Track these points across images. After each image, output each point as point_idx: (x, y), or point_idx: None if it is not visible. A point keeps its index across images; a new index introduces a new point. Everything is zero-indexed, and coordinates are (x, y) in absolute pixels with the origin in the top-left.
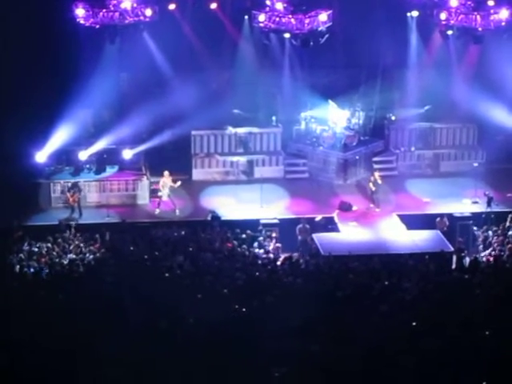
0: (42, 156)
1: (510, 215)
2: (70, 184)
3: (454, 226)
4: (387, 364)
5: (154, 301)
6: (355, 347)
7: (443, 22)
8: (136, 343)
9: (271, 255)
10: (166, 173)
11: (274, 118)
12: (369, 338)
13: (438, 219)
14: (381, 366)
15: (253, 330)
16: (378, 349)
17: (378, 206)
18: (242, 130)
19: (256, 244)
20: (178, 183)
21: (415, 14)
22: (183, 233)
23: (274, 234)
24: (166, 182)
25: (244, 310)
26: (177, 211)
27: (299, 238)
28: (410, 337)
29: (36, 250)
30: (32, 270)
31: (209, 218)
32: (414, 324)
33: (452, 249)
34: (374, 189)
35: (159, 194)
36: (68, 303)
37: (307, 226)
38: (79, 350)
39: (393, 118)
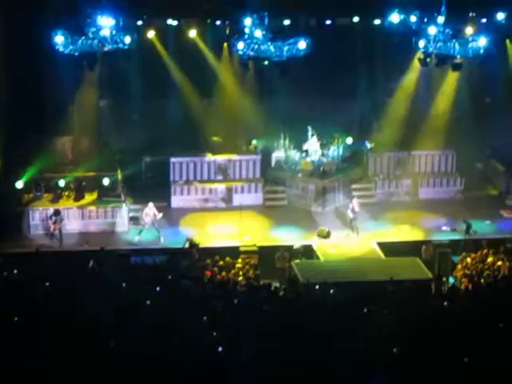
0: (20, 183)
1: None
2: (51, 211)
3: (433, 253)
4: None
5: (133, 328)
6: (336, 376)
7: (422, 50)
8: (114, 370)
9: (250, 282)
10: (150, 204)
11: (253, 142)
12: (349, 366)
13: (424, 247)
14: None
15: (231, 357)
16: (359, 375)
17: (356, 233)
18: (221, 157)
19: (235, 271)
20: (160, 215)
21: (394, 41)
22: (163, 260)
23: (252, 261)
24: (148, 212)
25: (222, 337)
26: (161, 239)
27: (278, 265)
28: (390, 364)
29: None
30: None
31: (187, 246)
32: (394, 351)
33: (431, 276)
34: (352, 216)
35: (142, 222)
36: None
37: (286, 254)
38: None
39: (371, 145)
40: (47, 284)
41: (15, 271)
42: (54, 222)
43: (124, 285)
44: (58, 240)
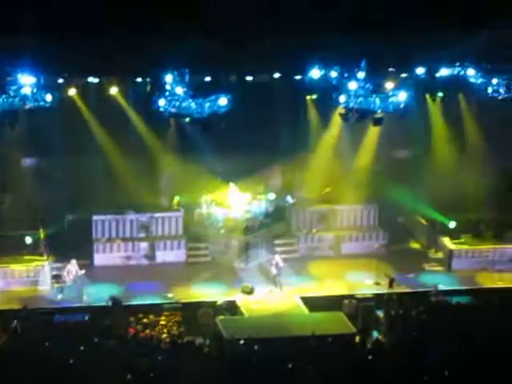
0: None
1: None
2: None
3: (356, 307)
4: None
5: None
6: None
7: (343, 105)
8: None
9: (174, 339)
10: (73, 261)
11: (176, 198)
12: None
13: (346, 301)
14: None
15: None
16: None
17: (280, 289)
18: (143, 215)
19: (159, 328)
20: (82, 271)
21: (315, 96)
22: (86, 319)
23: (176, 318)
24: (71, 269)
25: None
26: (84, 297)
27: (201, 321)
28: None
29: None
30: None
31: (110, 304)
32: None
33: (354, 330)
34: (275, 271)
35: (64, 280)
36: None
37: (209, 310)
38: None
39: (292, 200)
40: None
41: None
42: None
43: (47, 344)
44: None
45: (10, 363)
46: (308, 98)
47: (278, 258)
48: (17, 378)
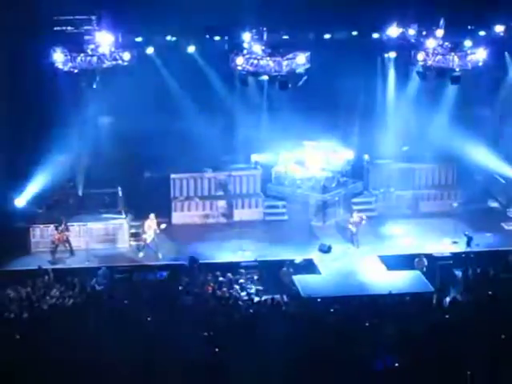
0: (21, 200)
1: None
2: (63, 221)
3: (433, 266)
4: None
5: (134, 346)
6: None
7: (421, 63)
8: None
9: (252, 298)
10: (152, 215)
11: (254, 156)
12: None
13: (417, 259)
14: None
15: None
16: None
17: (357, 247)
18: (221, 173)
19: (237, 286)
20: (163, 226)
21: (392, 55)
22: (164, 276)
23: (254, 277)
24: (150, 224)
25: (223, 353)
26: (159, 255)
27: (283, 280)
28: (392, 378)
29: (15, 294)
30: (12, 315)
31: (188, 262)
32: (396, 365)
33: (432, 289)
34: (353, 230)
35: (144, 236)
36: (48, 348)
37: (290, 270)
38: None
39: (366, 158)
40: (49, 301)
41: (18, 289)
42: (60, 233)
43: (125, 301)
44: (67, 250)
45: (88, 321)
46: (386, 56)
47: (355, 216)
48: (95, 336)
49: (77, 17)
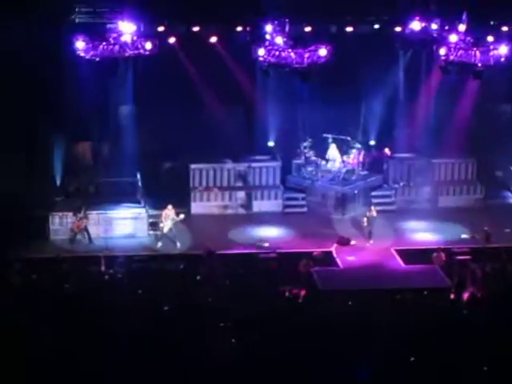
0: (40, 188)
1: None
2: (83, 209)
3: (452, 261)
4: None
5: (152, 334)
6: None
7: (443, 58)
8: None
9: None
10: (170, 206)
11: (271, 143)
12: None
13: (435, 254)
14: None
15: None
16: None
17: (373, 241)
18: (240, 164)
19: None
20: (182, 216)
21: (414, 49)
22: (182, 267)
23: (272, 268)
24: (168, 214)
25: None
26: (178, 244)
27: (302, 272)
28: (408, 372)
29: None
30: None
31: (206, 253)
32: (412, 359)
33: (450, 284)
34: (367, 223)
35: (161, 225)
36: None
37: (310, 262)
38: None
39: (387, 151)
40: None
41: (34, 276)
42: (79, 220)
43: (140, 291)
44: (85, 238)
45: (102, 311)
46: (408, 50)
47: (373, 209)
48: (110, 326)
49: (100, 7)
